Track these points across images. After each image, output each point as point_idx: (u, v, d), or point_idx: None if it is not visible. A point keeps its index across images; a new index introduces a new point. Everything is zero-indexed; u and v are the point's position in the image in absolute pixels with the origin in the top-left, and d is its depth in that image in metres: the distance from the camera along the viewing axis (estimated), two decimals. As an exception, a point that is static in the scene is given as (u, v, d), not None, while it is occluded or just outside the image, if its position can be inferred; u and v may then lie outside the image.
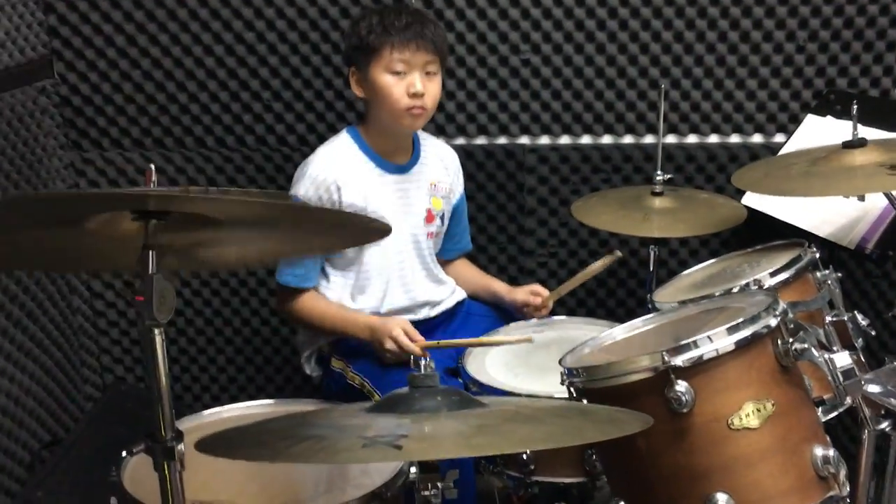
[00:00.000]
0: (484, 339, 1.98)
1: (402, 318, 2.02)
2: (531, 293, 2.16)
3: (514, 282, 2.42)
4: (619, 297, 2.62)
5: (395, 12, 1.98)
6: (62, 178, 2.47)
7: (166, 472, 1.16)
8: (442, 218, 2.18)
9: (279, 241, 1.33)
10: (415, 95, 1.95)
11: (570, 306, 2.57)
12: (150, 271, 1.09)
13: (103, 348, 2.66)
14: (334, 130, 2.44)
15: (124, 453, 1.49)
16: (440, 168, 2.19)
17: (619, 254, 2.12)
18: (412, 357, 1.38)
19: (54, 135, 2.44)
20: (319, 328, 2.07)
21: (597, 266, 2.12)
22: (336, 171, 2.00)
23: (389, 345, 1.92)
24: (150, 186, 1.13)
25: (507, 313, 2.23)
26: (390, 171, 2.07)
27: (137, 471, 1.47)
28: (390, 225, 1.19)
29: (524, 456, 1.67)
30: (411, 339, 1.92)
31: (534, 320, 2.13)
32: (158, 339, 1.14)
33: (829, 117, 2.32)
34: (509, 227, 2.57)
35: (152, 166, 1.13)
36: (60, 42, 2.41)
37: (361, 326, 2.01)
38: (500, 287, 2.25)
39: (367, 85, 1.99)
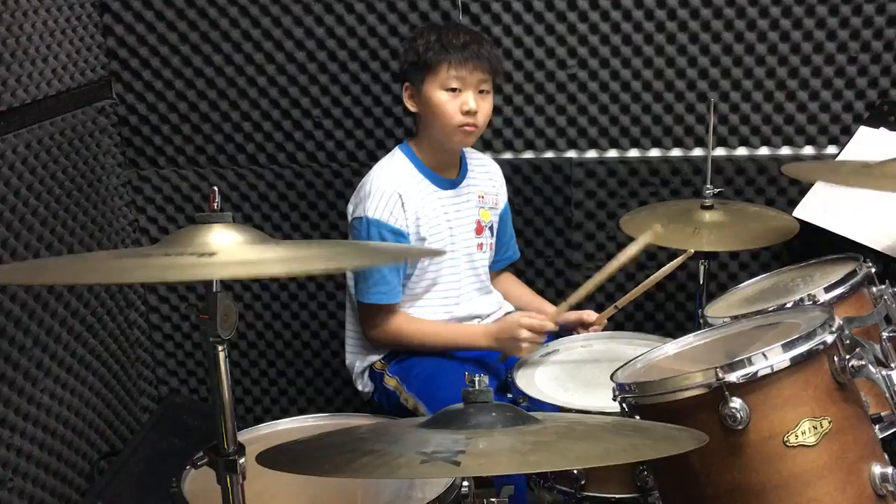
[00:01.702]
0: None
1: (513, 315, 2.06)
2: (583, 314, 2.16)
3: (561, 296, 2.42)
4: (667, 310, 2.61)
5: (453, 31, 2.02)
6: (119, 196, 2.54)
7: (229, 484, 1.19)
8: (491, 229, 2.21)
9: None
10: (468, 113, 1.98)
11: (617, 320, 2.55)
12: (214, 289, 1.13)
13: (159, 360, 2.72)
14: (383, 146, 2.48)
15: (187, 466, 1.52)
16: (486, 180, 2.22)
17: (691, 251, 2.06)
18: None
19: (112, 153, 2.52)
20: (421, 345, 2.07)
21: (667, 268, 2.05)
22: (396, 184, 2.03)
23: (525, 334, 1.94)
24: (213, 208, 1.17)
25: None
26: (442, 187, 2.11)
27: (197, 482, 1.50)
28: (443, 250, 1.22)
29: (575, 471, 1.67)
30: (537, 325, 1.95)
31: (583, 334, 2.13)
32: (222, 355, 1.17)
33: (882, 129, 2.28)
34: (556, 240, 2.57)
35: (216, 188, 1.16)
36: (119, 64, 2.48)
37: (479, 336, 2.04)
38: (551, 309, 2.26)
39: (420, 101, 2.03)
